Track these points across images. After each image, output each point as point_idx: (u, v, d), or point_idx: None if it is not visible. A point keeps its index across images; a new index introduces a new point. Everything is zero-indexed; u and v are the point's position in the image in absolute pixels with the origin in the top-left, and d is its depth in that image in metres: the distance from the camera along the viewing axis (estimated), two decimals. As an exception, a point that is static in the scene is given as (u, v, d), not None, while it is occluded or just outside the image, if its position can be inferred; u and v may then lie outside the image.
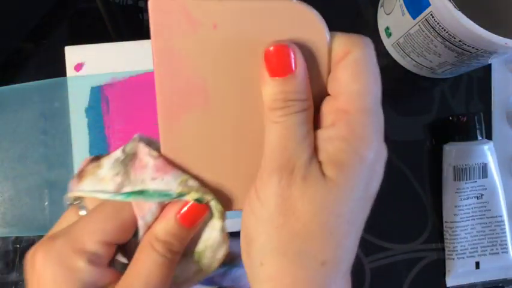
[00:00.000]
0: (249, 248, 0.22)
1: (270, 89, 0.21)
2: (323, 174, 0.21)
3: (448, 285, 0.43)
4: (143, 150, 0.23)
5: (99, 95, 0.40)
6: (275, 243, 0.21)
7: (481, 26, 0.33)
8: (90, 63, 0.40)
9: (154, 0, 0.21)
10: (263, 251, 0.21)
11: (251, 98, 0.22)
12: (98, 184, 0.23)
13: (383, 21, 0.44)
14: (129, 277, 0.23)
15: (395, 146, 0.44)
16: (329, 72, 0.22)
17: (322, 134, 0.21)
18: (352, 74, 0.21)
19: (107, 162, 0.23)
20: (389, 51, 0.45)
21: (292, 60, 0.20)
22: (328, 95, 0.22)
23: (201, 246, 0.24)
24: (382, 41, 0.45)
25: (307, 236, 0.21)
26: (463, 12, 0.34)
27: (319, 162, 0.21)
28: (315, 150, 0.21)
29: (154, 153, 0.23)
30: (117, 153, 0.23)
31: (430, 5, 0.35)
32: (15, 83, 0.42)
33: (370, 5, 0.45)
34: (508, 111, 0.46)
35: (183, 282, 0.24)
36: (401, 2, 0.39)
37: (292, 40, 0.21)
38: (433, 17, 0.35)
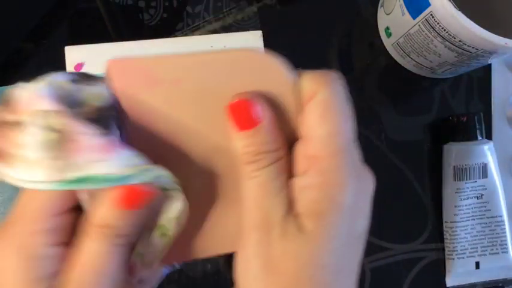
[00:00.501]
0: None
1: (240, 142, 0.20)
2: (301, 227, 0.20)
3: (448, 285, 0.43)
4: (80, 129, 0.20)
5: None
6: None
7: (481, 26, 0.33)
8: (90, 63, 0.40)
9: (112, 62, 0.20)
10: None
11: (225, 152, 0.22)
12: (30, 170, 0.20)
13: (383, 21, 0.44)
14: (74, 270, 0.20)
15: (395, 146, 0.44)
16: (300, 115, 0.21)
17: (296, 183, 0.21)
18: (320, 116, 0.20)
19: (32, 141, 0.20)
20: (390, 51, 0.45)
21: (258, 112, 0.20)
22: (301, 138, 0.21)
23: (164, 219, 0.22)
24: (382, 41, 0.45)
25: None
26: (463, 12, 0.34)
27: (297, 215, 0.20)
28: (292, 201, 0.21)
29: (96, 130, 0.20)
30: (45, 131, 0.20)
31: (430, 5, 0.35)
32: (15, 83, 0.42)
33: (370, 5, 0.45)
34: (508, 111, 0.46)
35: (153, 259, 0.22)
36: (401, 2, 0.39)
37: (257, 89, 0.20)
38: (433, 17, 0.35)
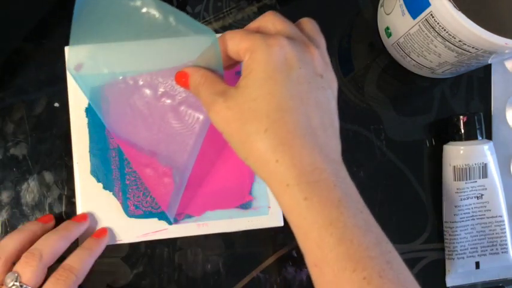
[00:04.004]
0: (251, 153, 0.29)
1: (191, 91, 0.32)
2: (237, 87, 0.30)
3: (448, 285, 0.43)
4: None
5: (99, 95, 0.40)
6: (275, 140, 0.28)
7: (481, 26, 0.33)
8: (90, 63, 0.40)
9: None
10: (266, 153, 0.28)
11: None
12: None
13: (383, 21, 0.44)
14: None
15: (395, 146, 0.44)
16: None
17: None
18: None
19: None
20: (390, 51, 0.45)
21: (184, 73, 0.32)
22: None
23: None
24: (382, 41, 0.45)
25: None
26: (463, 12, 0.34)
27: (236, 86, 0.30)
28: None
29: None
30: None
31: (430, 5, 0.35)
32: (15, 83, 0.42)
33: (370, 5, 0.45)
34: (508, 111, 0.46)
35: None
36: (401, 2, 0.39)
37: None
38: (433, 17, 0.35)
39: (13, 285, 0.32)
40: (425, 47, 0.39)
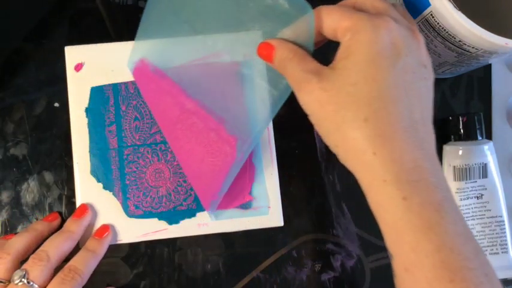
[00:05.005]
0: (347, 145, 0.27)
1: (273, 65, 0.30)
2: (334, 69, 0.27)
3: (448, 285, 0.43)
4: None
5: (100, 95, 0.40)
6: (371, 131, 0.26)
7: (481, 26, 0.33)
8: (90, 63, 0.40)
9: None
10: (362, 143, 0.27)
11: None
12: None
13: (383, 21, 0.44)
14: None
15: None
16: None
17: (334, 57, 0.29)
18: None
19: None
20: (389, 51, 0.45)
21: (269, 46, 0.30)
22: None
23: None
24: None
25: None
26: (463, 12, 0.34)
27: (331, 66, 0.28)
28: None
29: None
30: None
31: (430, 5, 0.35)
32: (15, 83, 0.42)
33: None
34: (508, 111, 0.46)
35: None
36: (401, 2, 0.39)
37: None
38: (433, 17, 0.35)
39: (20, 281, 0.32)
40: (425, 47, 0.39)
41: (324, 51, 0.31)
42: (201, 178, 0.38)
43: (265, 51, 0.30)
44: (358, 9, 0.28)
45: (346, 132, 0.27)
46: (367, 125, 0.26)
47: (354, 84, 0.26)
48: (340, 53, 0.27)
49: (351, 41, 0.27)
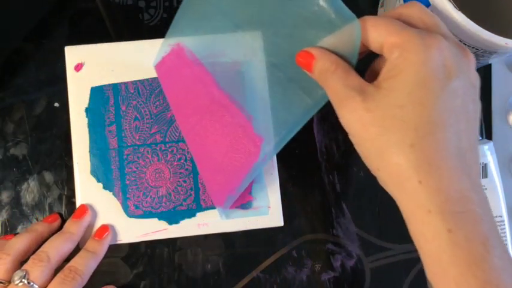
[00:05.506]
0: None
1: (312, 75, 0.29)
2: (379, 88, 0.26)
3: (448, 285, 0.43)
4: None
5: (100, 95, 0.40)
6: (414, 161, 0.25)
7: (481, 26, 0.33)
8: (90, 63, 0.40)
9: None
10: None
11: None
12: None
13: (383, 21, 0.44)
14: None
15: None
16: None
17: (375, 68, 0.29)
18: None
19: None
20: (390, 51, 0.44)
21: (309, 55, 0.28)
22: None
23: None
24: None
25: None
26: (463, 12, 0.34)
27: (375, 84, 0.26)
28: (370, 82, 0.27)
29: None
30: None
31: (430, 5, 0.35)
32: (15, 83, 0.42)
33: (370, 5, 0.45)
34: (508, 111, 0.46)
35: None
36: (401, 2, 0.39)
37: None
38: (433, 17, 0.35)
39: (21, 282, 0.32)
40: (425, 47, 0.39)
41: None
42: (221, 171, 0.37)
43: (304, 60, 0.28)
44: (404, 22, 0.27)
45: (390, 157, 0.25)
46: (413, 151, 0.25)
47: (401, 107, 0.25)
48: (387, 71, 0.26)
49: (399, 60, 0.25)
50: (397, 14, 0.28)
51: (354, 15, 0.26)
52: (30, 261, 0.34)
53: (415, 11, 0.27)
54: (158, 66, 0.40)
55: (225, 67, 0.36)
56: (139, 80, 0.41)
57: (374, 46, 0.27)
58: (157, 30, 0.44)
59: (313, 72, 0.28)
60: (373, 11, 0.45)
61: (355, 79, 0.27)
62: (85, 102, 0.40)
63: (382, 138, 0.25)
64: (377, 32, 0.26)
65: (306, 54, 0.28)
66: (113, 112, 0.40)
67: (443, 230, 0.24)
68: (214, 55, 0.36)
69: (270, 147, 0.34)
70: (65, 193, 0.41)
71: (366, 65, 0.30)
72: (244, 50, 0.34)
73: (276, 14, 0.31)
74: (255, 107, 0.35)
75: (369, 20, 0.27)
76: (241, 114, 0.35)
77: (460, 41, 0.35)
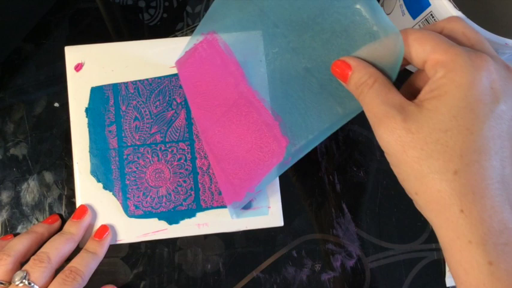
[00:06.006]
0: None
1: (347, 87, 0.28)
2: (421, 108, 0.25)
3: (448, 285, 0.43)
4: None
5: (99, 95, 0.40)
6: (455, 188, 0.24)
7: (481, 26, 0.33)
8: (90, 63, 0.40)
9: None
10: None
11: None
12: None
13: (383, 21, 0.44)
14: None
15: (395, 146, 0.44)
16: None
17: (415, 83, 0.28)
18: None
19: None
20: (390, 51, 0.44)
21: (346, 65, 0.27)
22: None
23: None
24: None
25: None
26: (463, 12, 0.34)
27: (417, 103, 0.25)
28: (410, 99, 0.26)
29: None
30: None
31: (430, 5, 0.35)
32: (15, 83, 0.42)
33: (370, 5, 0.45)
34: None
35: None
36: (401, 2, 0.39)
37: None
38: (433, 17, 0.35)
39: (21, 282, 0.32)
40: (425, 47, 0.39)
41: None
42: (242, 166, 0.37)
43: (340, 70, 0.27)
44: (447, 36, 0.26)
45: (431, 183, 0.24)
46: (457, 178, 0.24)
47: (446, 131, 0.24)
48: (430, 90, 0.25)
49: (444, 80, 0.24)
50: (439, 27, 0.27)
51: (396, 28, 0.25)
52: (30, 262, 0.34)
53: (459, 26, 0.26)
54: (188, 54, 0.39)
55: (256, 64, 0.35)
56: (140, 80, 0.41)
57: (416, 61, 0.26)
58: (157, 30, 0.44)
59: (349, 83, 0.27)
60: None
61: (395, 96, 0.25)
62: (85, 102, 0.40)
63: (423, 162, 0.24)
64: (421, 47, 0.25)
65: (342, 64, 0.27)
66: (113, 112, 0.40)
67: (484, 262, 0.23)
68: (248, 51, 0.35)
69: (295, 149, 0.34)
70: (65, 193, 0.41)
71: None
72: (279, 50, 0.33)
73: (315, 18, 0.30)
74: (284, 109, 0.34)
75: (412, 33, 0.25)
76: (268, 113, 0.35)
77: (460, 41, 0.35)
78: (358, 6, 0.26)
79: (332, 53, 0.28)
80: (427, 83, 0.25)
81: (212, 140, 0.39)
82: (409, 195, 0.26)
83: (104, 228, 0.38)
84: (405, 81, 0.29)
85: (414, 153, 0.24)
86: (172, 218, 0.39)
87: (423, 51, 0.25)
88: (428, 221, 0.26)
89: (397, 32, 0.25)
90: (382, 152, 0.27)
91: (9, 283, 0.33)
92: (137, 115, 0.40)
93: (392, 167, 0.26)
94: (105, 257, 0.38)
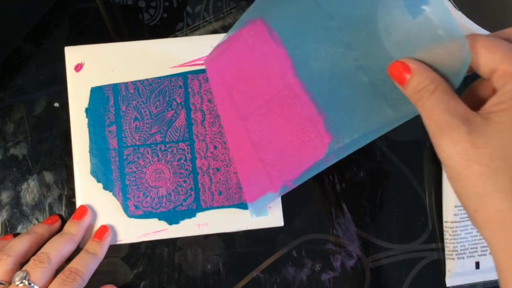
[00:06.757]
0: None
1: (404, 91, 0.26)
2: (488, 121, 0.23)
3: (448, 285, 0.43)
4: None
5: (99, 95, 0.40)
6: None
7: (481, 26, 0.33)
8: (90, 63, 0.40)
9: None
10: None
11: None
12: None
13: (383, 21, 0.44)
14: None
15: (395, 146, 0.44)
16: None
17: (480, 92, 0.26)
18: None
19: None
20: (390, 51, 0.44)
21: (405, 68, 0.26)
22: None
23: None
24: (382, 41, 0.45)
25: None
26: (463, 12, 0.34)
27: (483, 114, 0.24)
28: (474, 108, 0.24)
29: None
30: None
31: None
32: (15, 83, 0.42)
33: (370, 5, 0.45)
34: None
35: None
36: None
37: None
38: (433, 17, 0.35)
39: (21, 282, 0.32)
40: (425, 47, 0.39)
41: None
42: (281, 159, 0.36)
43: (397, 72, 0.26)
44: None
45: (494, 201, 0.23)
46: None
47: None
48: (498, 102, 0.24)
49: None
50: (506, 34, 0.26)
51: (461, 33, 0.23)
52: (31, 263, 0.34)
53: None
54: (230, 39, 0.38)
55: (306, 56, 0.34)
56: (140, 80, 0.41)
57: (483, 70, 0.24)
58: (157, 30, 0.44)
59: (407, 87, 0.26)
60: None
61: (459, 105, 0.24)
62: (85, 102, 0.40)
63: (486, 180, 0.23)
64: (490, 55, 0.24)
65: (401, 66, 0.25)
66: (113, 112, 0.40)
67: None
68: (298, 40, 0.34)
69: (338, 147, 0.32)
70: (65, 193, 0.41)
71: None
72: (332, 44, 0.31)
73: (375, 15, 0.28)
74: (330, 104, 0.33)
75: (481, 39, 0.24)
76: (313, 107, 0.34)
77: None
78: (425, 7, 0.25)
79: (390, 53, 0.27)
80: (494, 94, 0.24)
81: (252, 127, 0.38)
82: (466, 211, 0.25)
83: (104, 228, 0.38)
84: (465, 89, 0.28)
85: (478, 168, 0.23)
86: (172, 218, 0.39)
87: (492, 60, 0.24)
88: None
89: (463, 37, 0.23)
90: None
91: (9, 283, 0.33)
92: (137, 115, 0.40)
93: (450, 180, 0.25)
94: (105, 257, 0.38)
